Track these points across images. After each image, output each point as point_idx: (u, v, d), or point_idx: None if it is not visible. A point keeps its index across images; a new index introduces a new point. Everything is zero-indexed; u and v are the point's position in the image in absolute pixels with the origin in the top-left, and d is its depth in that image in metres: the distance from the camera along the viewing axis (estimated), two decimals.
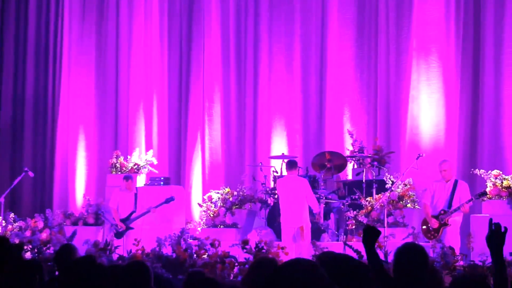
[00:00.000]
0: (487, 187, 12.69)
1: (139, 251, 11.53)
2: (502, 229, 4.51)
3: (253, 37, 16.65)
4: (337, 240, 13.06)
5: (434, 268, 6.61)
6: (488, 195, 12.60)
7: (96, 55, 17.44)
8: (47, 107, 17.69)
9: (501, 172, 12.93)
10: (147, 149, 16.47)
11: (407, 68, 15.20)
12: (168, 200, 13.64)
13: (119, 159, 15.70)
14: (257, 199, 14.71)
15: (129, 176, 14.06)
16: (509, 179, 12.75)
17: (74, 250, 6.67)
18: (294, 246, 11.95)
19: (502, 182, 12.72)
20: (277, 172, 14.62)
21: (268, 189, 14.50)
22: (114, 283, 5.13)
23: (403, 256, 5.02)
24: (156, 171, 15.91)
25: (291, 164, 12.56)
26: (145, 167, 15.75)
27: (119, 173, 15.49)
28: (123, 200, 13.73)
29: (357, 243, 11.44)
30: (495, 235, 4.49)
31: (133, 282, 5.10)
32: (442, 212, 11.64)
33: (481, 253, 9.94)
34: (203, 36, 16.90)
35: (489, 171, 12.95)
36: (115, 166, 15.66)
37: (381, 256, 10.73)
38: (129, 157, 15.87)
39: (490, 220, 4.57)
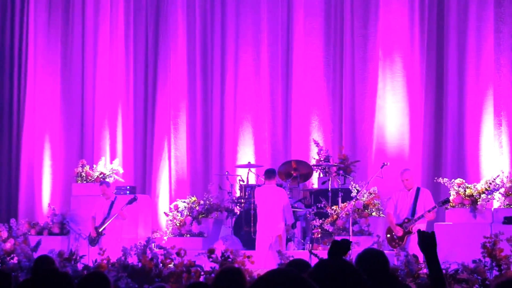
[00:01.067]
0: (450, 196, 12.84)
1: (105, 261, 11.47)
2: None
3: (220, 46, 16.69)
4: (303, 249, 13.12)
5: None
6: (451, 203, 12.75)
7: (62, 64, 17.34)
8: (13, 115, 17.56)
9: (464, 181, 13.08)
10: (113, 158, 16.41)
11: (373, 77, 15.34)
12: (131, 201, 13.65)
13: (85, 168, 15.63)
14: (224, 208, 14.72)
15: (104, 181, 14.09)
16: (472, 187, 12.91)
17: (52, 261, 6.65)
18: (269, 254, 11.98)
19: (465, 191, 12.87)
20: (243, 181, 14.66)
21: (234, 198, 14.53)
22: None
23: (364, 261, 5.16)
24: (122, 180, 15.86)
25: (270, 173, 12.64)
26: (110, 176, 15.69)
27: (85, 182, 15.43)
28: (100, 207, 13.78)
29: (323, 252, 11.51)
30: (425, 239, 4.56)
31: None
32: (406, 220, 11.76)
33: (444, 261, 10.04)
34: (169, 45, 16.90)
35: (453, 180, 13.10)
36: (81, 175, 15.58)
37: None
38: (94, 166, 15.81)
39: (418, 230, 4.66)
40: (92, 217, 13.78)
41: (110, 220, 13.60)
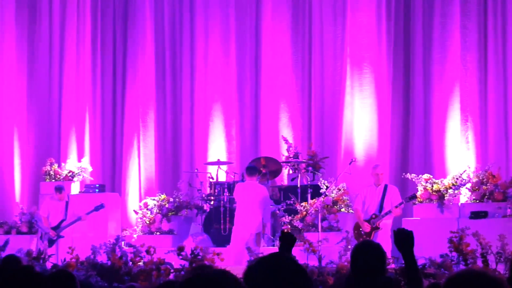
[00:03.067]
0: (417, 191, 12.96)
1: (73, 260, 11.44)
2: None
3: (189, 44, 16.67)
4: (273, 245, 13.16)
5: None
6: (418, 198, 12.88)
7: (28, 61, 17.19)
8: None
9: (431, 176, 13.21)
10: (82, 156, 16.33)
11: (341, 74, 15.43)
12: (98, 208, 13.58)
13: (53, 166, 15.56)
14: (193, 206, 14.73)
15: (61, 187, 13.92)
16: (439, 183, 13.04)
17: (19, 261, 6.63)
18: (245, 252, 11.92)
19: (432, 186, 13.00)
20: (212, 178, 14.67)
21: (204, 196, 14.55)
22: None
23: (360, 253, 5.27)
24: (91, 178, 15.81)
25: (251, 170, 12.65)
26: (79, 174, 15.63)
27: (53, 180, 15.35)
28: (53, 208, 13.65)
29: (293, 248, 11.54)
30: (402, 236, 4.63)
31: None
32: (373, 216, 11.84)
33: None
34: (137, 42, 16.85)
35: (420, 175, 13.22)
36: (49, 173, 15.50)
37: (315, 261, 10.89)
38: (63, 164, 15.73)
39: (396, 229, 4.73)
40: (45, 217, 13.66)
41: (71, 224, 13.51)
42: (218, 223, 13.85)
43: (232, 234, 12.67)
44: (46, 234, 13.48)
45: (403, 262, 4.75)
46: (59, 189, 13.76)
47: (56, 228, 13.49)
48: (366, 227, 11.83)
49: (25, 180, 16.91)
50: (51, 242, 13.34)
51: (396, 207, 11.68)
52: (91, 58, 17.09)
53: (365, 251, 5.33)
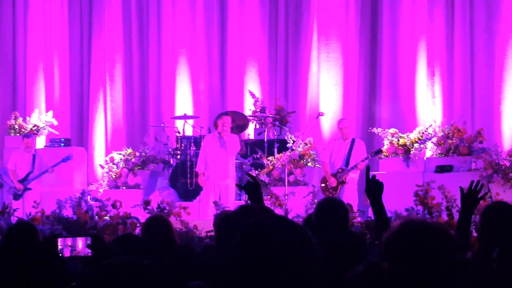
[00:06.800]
0: (384, 145, 13.03)
1: (39, 214, 11.38)
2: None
3: None
4: (239, 199, 13.18)
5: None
6: (384, 153, 12.95)
7: None
8: None
9: (397, 131, 13.27)
10: (47, 110, 16.16)
11: (307, 28, 15.38)
12: (66, 159, 13.55)
13: (18, 120, 15.39)
14: (160, 160, 14.68)
15: (29, 134, 13.90)
16: (405, 137, 13.11)
17: None
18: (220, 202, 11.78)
19: (398, 140, 13.07)
20: (179, 133, 14.61)
21: (170, 150, 14.49)
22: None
23: (323, 210, 5.38)
24: (57, 133, 15.66)
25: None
26: (44, 129, 15.47)
27: (18, 134, 15.19)
28: (20, 161, 13.58)
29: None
30: (373, 183, 4.72)
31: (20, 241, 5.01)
32: (340, 170, 11.89)
33: None
34: None
35: (386, 130, 13.28)
36: (14, 127, 15.34)
37: (282, 214, 10.93)
38: (28, 118, 15.56)
39: (372, 177, 4.78)
40: (12, 170, 13.60)
41: (38, 176, 13.47)
42: (184, 177, 13.83)
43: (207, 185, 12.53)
44: (12, 188, 13.40)
45: (369, 215, 4.88)
46: (26, 136, 13.81)
47: (23, 180, 13.45)
48: (333, 182, 11.88)
49: None
50: (17, 196, 13.28)
51: (362, 161, 11.74)
52: (58, 11, 16.82)
53: (328, 209, 5.39)
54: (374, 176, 4.79)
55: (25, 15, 16.79)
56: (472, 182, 4.78)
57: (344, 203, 5.55)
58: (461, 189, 4.81)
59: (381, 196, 4.72)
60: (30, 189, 13.37)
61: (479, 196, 4.77)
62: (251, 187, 4.72)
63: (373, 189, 4.73)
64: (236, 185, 5.57)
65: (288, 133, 13.96)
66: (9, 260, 4.88)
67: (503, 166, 12.20)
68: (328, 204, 5.50)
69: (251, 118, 14.72)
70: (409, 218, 4.19)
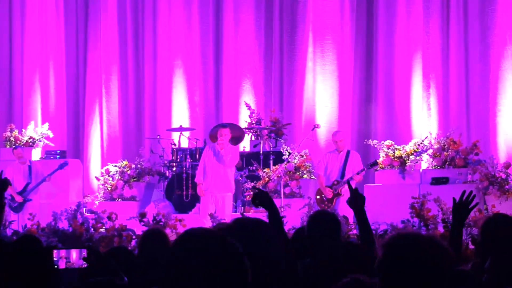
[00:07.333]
0: (379, 157, 13.03)
1: (35, 226, 11.36)
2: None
3: (152, 7, 16.49)
4: (235, 212, 13.16)
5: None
6: (380, 165, 12.95)
7: None
8: None
9: (393, 143, 13.28)
10: (43, 122, 16.16)
11: (304, 41, 15.40)
12: (62, 166, 13.58)
13: (14, 132, 15.37)
14: (155, 172, 14.67)
15: (16, 146, 14.14)
16: (401, 149, 13.11)
17: None
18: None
19: (394, 152, 13.08)
20: (175, 145, 14.61)
21: (166, 162, 14.48)
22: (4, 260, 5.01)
23: (315, 223, 5.39)
24: (52, 144, 15.64)
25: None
26: (40, 141, 15.46)
27: (13, 147, 15.16)
28: (17, 173, 13.56)
29: (255, 214, 11.57)
30: (357, 197, 4.89)
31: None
32: (335, 182, 11.89)
33: (373, 222, 10.20)
34: (99, 7, 16.64)
35: (382, 142, 13.29)
36: (9, 139, 15.32)
37: None
38: (24, 130, 15.55)
39: (355, 189, 4.95)
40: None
41: (37, 186, 13.48)
42: (180, 190, 13.81)
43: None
44: (9, 201, 13.38)
45: (356, 219, 5.01)
46: (15, 147, 14.01)
47: (23, 192, 13.43)
48: (328, 193, 11.88)
49: None
50: (16, 208, 13.27)
51: (358, 173, 11.75)
52: (54, 23, 16.83)
53: (320, 221, 5.41)
54: (356, 188, 4.97)
55: (21, 26, 16.81)
56: (464, 192, 4.78)
57: (337, 215, 5.57)
58: (454, 200, 4.83)
59: (363, 208, 4.86)
60: (30, 200, 13.39)
61: (470, 207, 4.78)
62: (260, 196, 4.77)
63: (356, 201, 4.88)
64: (253, 187, 5.58)
65: (283, 145, 13.96)
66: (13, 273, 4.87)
67: (499, 178, 12.20)
68: (320, 217, 5.51)
69: (246, 130, 14.72)
70: (401, 231, 4.22)
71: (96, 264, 4.10)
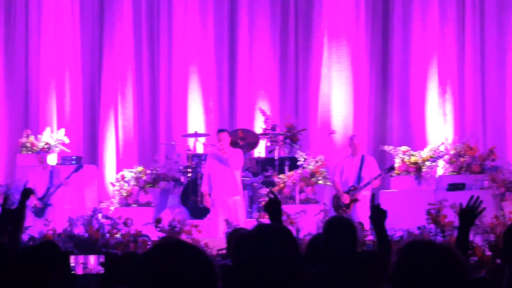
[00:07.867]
0: (395, 163, 12.99)
1: (50, 232, 11.39)
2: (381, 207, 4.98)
3: (167, 13, 16.53)
4: (250, 217, 13.15)
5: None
6: (396, 171, 12.91)
7: (5, 30, 16.98)
8: None
9: (409, 148, 13.24)
10: (59, 128, 16.20)
11: (319, 46, 15.40)
12: (77, 168, 13.61)
13: (30, 138, 15.43)
14: (171, 178, 14.68)
15: (38, 151, 14.10)
16: (417, 155, 13.07)
17: None
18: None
19: (410, 158, 13.04)
20: (190, 150, 14.63)
21: (181, 168, 14.50)
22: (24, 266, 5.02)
23: (332, 229, 5.33)
24: (68, 150, 15.68)
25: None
26: (56, 146, 15.50)
27: (30, 152, 15.22)
28: (39, 178, 13.62)
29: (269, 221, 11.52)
30: (377, 211, 4.90)
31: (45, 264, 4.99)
32: (352, 188, 11.86)
33: (389, 228, 10.15)
34: (114, 14, 16.69)
35: (397, 148, 13.25)
36: (26, 145, 15.37)
37: (294, 233, 10.89)
38: (39, 136, 15.60)
39: (374, 206, 4.92)
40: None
41: (55, 191, 13.51)
42: (195, 195, 13.82)
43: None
44: (32, 207, 13.45)
45: (375, 232, 4.98)
46: (38, 152, 14.03)
47: (44, 197, 13.48)
48: (346, 199, 11.85)
49: (1, 152, 16.77)
50: (38, 213, 13.33)
51: (375, 178, 11.72)
52: (70, 30, 16.90)
53: (337, 227, 5.36)
54: (378, 204, 4.95)
55: (38, 33, 16.88)
56: (472, 197, 4.75)
57: (353, 221, 5.52)
58: (461, 205, 4.81)
59: (384, 224, 4.87)
60: (50, 204, 13.43)
61: (476, 212, 4.75)
62: (271, 204, 4.75)
63: (377, 217, 4.88)
64: (270, 191, 5.54)
65: (299, 151, 13.95)
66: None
67: None
68: (336, 222, 5.48)
69: (261, 136, 14.72)
70: (416, 238, 4.22)
71: (113, 270, 4.10)
